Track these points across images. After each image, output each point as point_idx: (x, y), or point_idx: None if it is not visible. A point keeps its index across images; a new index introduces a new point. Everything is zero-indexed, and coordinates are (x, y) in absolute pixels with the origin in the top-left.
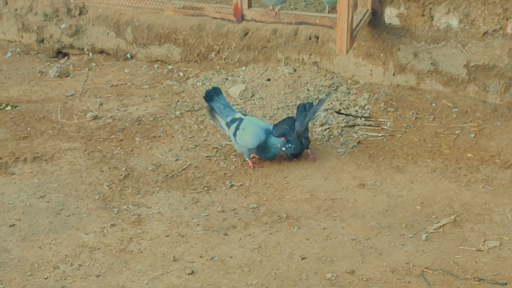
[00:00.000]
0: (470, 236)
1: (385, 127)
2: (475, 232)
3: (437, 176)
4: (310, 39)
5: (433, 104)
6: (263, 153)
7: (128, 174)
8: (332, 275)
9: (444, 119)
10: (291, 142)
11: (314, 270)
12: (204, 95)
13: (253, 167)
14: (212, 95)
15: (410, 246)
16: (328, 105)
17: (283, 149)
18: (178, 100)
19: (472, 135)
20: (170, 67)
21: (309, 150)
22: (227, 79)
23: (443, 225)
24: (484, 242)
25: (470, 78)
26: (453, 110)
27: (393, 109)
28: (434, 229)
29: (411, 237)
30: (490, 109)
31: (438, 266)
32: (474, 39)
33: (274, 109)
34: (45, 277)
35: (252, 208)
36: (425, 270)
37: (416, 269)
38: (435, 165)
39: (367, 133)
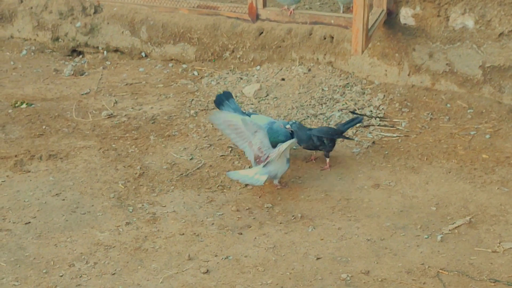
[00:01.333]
0: (485, 238)
1: (400, 128)
2: (491, 233)
3: (452, 177)
4: (325, 39)
5: (448, 105)
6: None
7: (143, 172)
8: (347, 275)
9: (459, 120)
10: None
11: (329, 270)
12: (214, 99)
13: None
14: (222, 99)
15: (425, 247)
16: (343, 105)
17: (288, 126)
18: (193, 99)
19: (488, 136)
20: (184, 66)
21: (327, 160)
22: (241, 78)
23: (458, 226)
24: (499, 243)
25: (485, 79)
26: (468, 111)
27: (408, 110)
28: (449, 230)
29: (426, 238)
30: (506, 110)
31: (454, 267)
32: (490, 40)
33: (289, 109)
34: (61, 274)
35: (267, 207)
36: (441, 271)
37: (431, 270)
38: (450, 166)
39: (382, 133)
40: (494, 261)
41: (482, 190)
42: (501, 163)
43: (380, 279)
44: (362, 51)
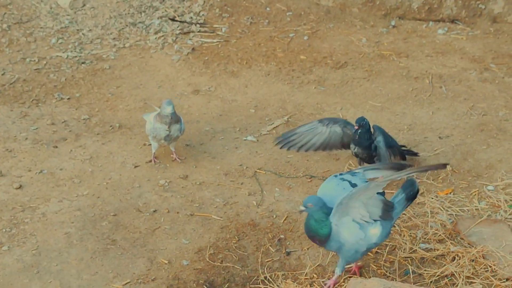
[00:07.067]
0: None
1: (220, 33)
2: None
3: (271, 79)
4: None
5: (268, 8)
6: None
7: None
8: (165, 181)
9: (279, 23)
10: None
11: (147, 177)
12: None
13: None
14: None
15: (243, 149)
16: (163, 12)
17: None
18: (5, 13)
19: (306, 38)
20: None
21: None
22: None
23: (276, 126)
24: None
25: None
26: (288, 13)
27: (228, 15)
28: (267, 131)
29: (244, 140)
30: (323, 12)
31: (271, 167)
32: None
33: (107, 19)
34: None
35: (84, 119)
36: (258, 171)
37: (249, 171)
38: (269, 68)
39: (202, 39)
40: (311, 158)
41: (299, 90)
42: (318, 63)
43: (198, 183)
44: None
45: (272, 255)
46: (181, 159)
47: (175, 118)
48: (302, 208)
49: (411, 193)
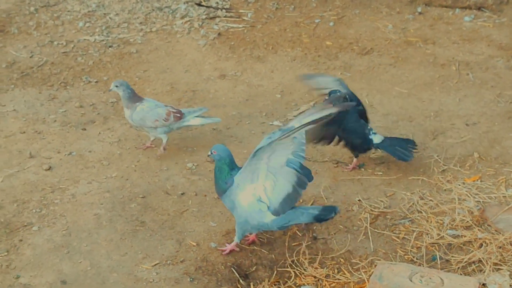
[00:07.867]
0: None
1: (246, 18)
2: None
3: (297, 64)
4: None
5: None
6: None
7: None
8: (193, 164)
9: (304, 9)
10: None
11: (175, 161)
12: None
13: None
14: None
15: None
16: None
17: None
18: None
19: (331, 24)
20: None
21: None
22: None
23: (302, 111)
24: None
25: None
26: None
27: (254, 0)
28: (294, 116)
29: (271, 124)
30: None
31: None
32: None
33: (133, 3)
34: None
35: (111, 102)
36: None
37: None
38: (295, 54)
39: (228, 24)
40: None
41: None
42: (344, 49)
43: None
44: None
45: (299, 239)
46: (144, 148)
47: (125, 103)
48: (209, 153)
49: (321, 216)
